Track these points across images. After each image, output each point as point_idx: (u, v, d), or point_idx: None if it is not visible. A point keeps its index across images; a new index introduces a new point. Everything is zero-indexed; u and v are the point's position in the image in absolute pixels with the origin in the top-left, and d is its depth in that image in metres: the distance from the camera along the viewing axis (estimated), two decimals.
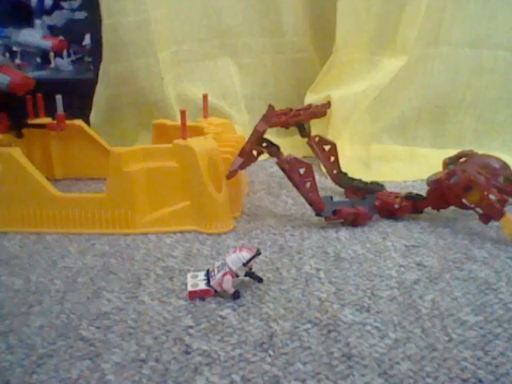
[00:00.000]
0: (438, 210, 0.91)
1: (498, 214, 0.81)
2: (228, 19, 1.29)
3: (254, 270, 0.71)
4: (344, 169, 1.05)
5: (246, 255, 0.68)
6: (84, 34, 1.53)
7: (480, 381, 0.53)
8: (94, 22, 1.24)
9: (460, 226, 0.88)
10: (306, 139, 1.01)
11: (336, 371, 0.55)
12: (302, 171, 0.85)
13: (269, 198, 1.02)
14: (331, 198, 0.93)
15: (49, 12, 1.61)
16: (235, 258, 0.68)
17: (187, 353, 0.58)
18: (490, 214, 0.82)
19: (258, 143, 0.86)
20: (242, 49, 1.32)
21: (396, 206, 0.90)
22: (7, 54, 1.57)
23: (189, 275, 0.72)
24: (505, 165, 0.90)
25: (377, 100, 1.24)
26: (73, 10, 1.60)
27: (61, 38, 1.54)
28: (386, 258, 0.78)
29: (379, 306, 0.66)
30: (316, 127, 1.25)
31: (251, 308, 0.66)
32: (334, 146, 1.03)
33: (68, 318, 0.65)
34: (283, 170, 0.86)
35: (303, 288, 0.70)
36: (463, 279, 0.72)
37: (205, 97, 1.06)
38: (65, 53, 1.53)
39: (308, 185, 0.86)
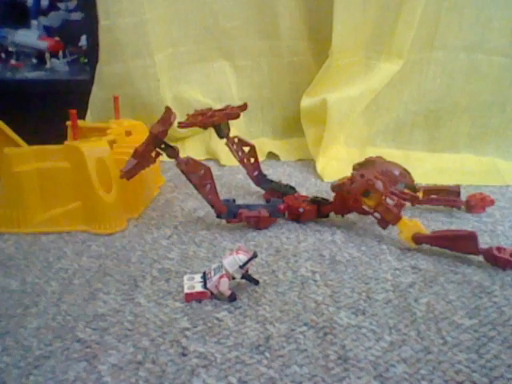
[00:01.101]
0: (342, 215, 0.92)
1: (395, 218, 0.82)
2: (224, 22, 1.30)
3: (250, 272, 0.71)
4: (340, 173, 1.06)
5: (242, 258, 0.68)
6: (80, 34, 1.53)
7: (474, 383, 0.54)
8: (90, 23, 1.24)
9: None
10: (225, 140, 1.01)
11: (332, 374, 0.55)
12: (201, 173, 0.86)
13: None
14: (234, 200, 0.94)
15: (45, 13, 1.60)
16: (232, 261, 0.68)
17: (184, 355, 0.58)
18: (388, 219, 0.83)
19: (154, 145, 0.85)
20: (239, 51, 1.33)
21: (301, 210, 0.91)
22: (3, 55, 1.56)
23: (185, 277, 0.72)
24: (405, 172, 0.93)
25: (372, 104, 1.25)
26: (69, 11, 1.60)
27: (57, 38, 1.55)
28: (382, 261, 0.79)
29: (374, 309, 0.66)
30: (311, 130, 1.26)
31: (247, 310, 0.66)
32: (253, 148, 1.04)
33: (64, 320, 0.65)
34: (182, 171, 0.86)
35: (299, 291, 0.71)
36: (458, 282, 0.73)
37: (116, 98, 1.08)
38: (61, 54, 1.53)
39: (208, 187, 0.87)
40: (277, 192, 1.00)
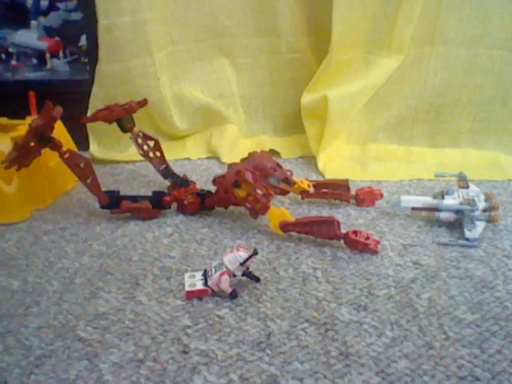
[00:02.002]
0: (226, 207, 0.94)
1: (264, 208, 0.85)
2: (224, 19, 1.29)
3: (251, 269, 0.71)
4: (341, 169, 1.06)
5: (243, 255, 0.68)
6: (80, 34, 1.53)
7: (477, 378, 0.54)
8: (89, 23, 1.24)
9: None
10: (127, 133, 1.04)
11: (333, 370, 0.55)
12: (81, 165, 0.90)
13: None
14: (118, 192, 0.96)
15: (45, 13, 1.60)
16: (232, 258, 0.68)
17: (185, 352, 0.58)
18: (257, 208, 0.85)
19: (33, 138, 0.89)
20: (239, 49, 1.32)
21: (185, 202, 0.94)
22: (3, 55, 1.56)
23: (186, 275, 0.72)
24: (277, 166, 0.95)
25: (373, 99, 1.25)
26: (69, 11, 1.60)
27: (57, 38, 1.55)
28: (383, 256, 0.79)
29: (376, 305, 0.66)
30: (312, 127, 1.26)
31: (249, 307, 0.66)
32: (157, 142, 1.06)
33: (65, 319, 0.65)
34: (65, 163, 0.90)
35: (300, 287, 0.70)
36: (460, 278, 0.72)
37: (31, 95, 1.11)
38: (61, 54, 1.53)
39: (90, 178, 0.91)
40: (178, 184, 1.01)
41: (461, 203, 0.86)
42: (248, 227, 0.89)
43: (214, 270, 0.69)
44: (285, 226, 0.84)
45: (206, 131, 1.34)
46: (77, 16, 1.57)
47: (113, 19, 1.19)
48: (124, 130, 1.04)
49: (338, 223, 0.82)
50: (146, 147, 1.05)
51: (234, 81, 1.35)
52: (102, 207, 0.93)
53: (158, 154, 1.06)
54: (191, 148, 1.31)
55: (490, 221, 0.85)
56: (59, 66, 1.51)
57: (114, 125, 1.28)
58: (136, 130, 1.04)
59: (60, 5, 1.61)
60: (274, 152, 1.29)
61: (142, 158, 1.26)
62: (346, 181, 1.00)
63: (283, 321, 0.63)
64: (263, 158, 0.95)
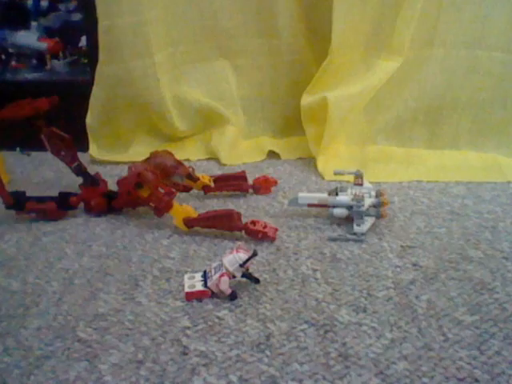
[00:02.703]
0: (133, 207, 0.95)
1: (167, 206, 0.87)
2: (224, 21, 1.29)
3: (250, 270, 0.71)
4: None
5: (242, 256, 0.68)
6: (80, 35, 1.52)
7: (476, 380, 0.54)
8: (90, 24, 1.24)
9: (455, 226, 0.89)
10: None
11: (333, 371, 0.55)
12: None
13: (265, 198, 1.02)
14: (24, 192, 0.95)
15: (45, 14, 1.60)
16: (232, 259, 0.68)
17: (184, 354, 0.58)
18: (160, 207, 0.87)
19: None
20: (238, 50, 1.32)
21: (92, 203, 0.94)
22: (3, 56, 1.56)
23: (186, 276, 0.72)
24: (178, 164, 0.97)
25: (372, 101, 1.25)
26: (69, 12, 1.60)
27: (57, 39, 1.55)
28: (382, 258, 0.79)
29: (375, 307, 0.66)
30: (312, 128, 1.26)
31: (248, 309, 0.66)
32: (68, 140, 1.05)
33: (65, 320, 0.65)
34: None
35: (300, 289, 0.71)
36: (459, 279, 0.72)
37: None
38: (61, 54, 1.53)
39: None
40: (89, 183, 1.01)
41: (352, 199, 0.88)
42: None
43: (213, 271, 0.69)
44: (188, 222, 0.87)
45: (205, 132, 1.34)
46: (77, 17, 1.57)
47: (113, 20, 1.19)
48: (35, 129, 1.02)
49: (239, 215, 0.85)
50: (56, 145, 1.04)
51: (234, 82, 1.35)
52: (7, 208, 0.92)
53: (70, 151, 1.05)
54: (191, 149, 1.31)
55: (378, 216, 0.88)
56: (59, 66, 1.51)
57: (114, 125, 1.29)
58: (46, 128, 1.03)
59: (60, 5, 1.61)
60: (273, 153, 1.29)
61: (142, 158, 1.27)
62: (244, 172, 1.05)
63: (283, 322, 0.63)
64: (164, 157, 0.96)
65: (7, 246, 0.85)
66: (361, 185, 0.94)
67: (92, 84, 1.25)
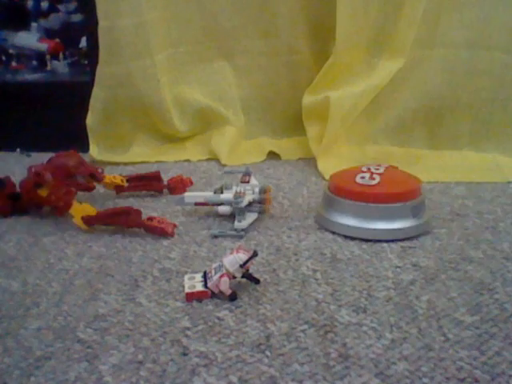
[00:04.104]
0: (38, 207, 0.96)
1: (66, 206, 0.89)
2: (224, 21, 1.29)
3: (250, 271, 0.71)
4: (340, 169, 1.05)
5: (242, 256, 0.68)
6: (80, 36, 1.53)
7: (476, 380, 0.53)
8: (90, 25, 1.24)
9: (455, 226, 0.89)
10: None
11: (333, 372, 0.55)
12: None
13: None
14: None
15: (45, 15, 1.61)
16: (232, 260, 0.68)
17: (184, 354, 0.58)
18: (60, 206, 0.89)
19: None
20: (238, 51, 1.33)
21: None
22: (3, 57, 1.57)
23: (186, 277, 0.72)
24: (81, 164, 0.97)
25: (373, 101, 1.25)
26: (69, 13, 1.60)
27: (57, 40, 1.55)
28: (383, 258, 0.79)
29: (375, 307, 0.66)
30: (313, 128, 1.26)
31: (248, 309, 0.66)
32: None
33: (65, 320, 0.65)
34: None
35: (300, 289, 0.71)
36: (459, 279, 0.72)
37: None
38: (61, 55, 1.53)
39: None
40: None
41: (233, 197, 0.90)
42: (248, 229, 0.89)
43: (213, 271, 0.69)
44: (87, 221, 0.88)
45: (205, 133, 1.34)
46: (77, 18, 1.57)
47: (113, 21, 1.19)
48: None
49: (138, 212, 0.87)
50: None
51: (234, 83, 1.35)
52: None
53: None
54: (191, 150, 1.32)
55: (261, 212, 0.92)
56: (59, 67, 1.51)
57: (115, 126, 1.29)
58: None
59: (60, 6, 1.61)
60: (273, 154, 1.29)
61: (142, 159, 1.27)
62: (158, 172, 1.06)
63: (283, 323, 0.63)
64: (66, 158, 0.97)
65: (7, 246, 0.86)
66: (247, 182, 0.96)
67: (92, 85, 1.26)
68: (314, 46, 1.30)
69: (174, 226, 0.88)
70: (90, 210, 0.90)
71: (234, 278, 0.68)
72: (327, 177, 1.14)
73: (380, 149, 1.26)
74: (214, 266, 0.70)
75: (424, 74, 1.24)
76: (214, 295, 0.68)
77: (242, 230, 0.87)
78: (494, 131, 1.24)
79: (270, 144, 1.33)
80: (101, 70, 1.23)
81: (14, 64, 1.55)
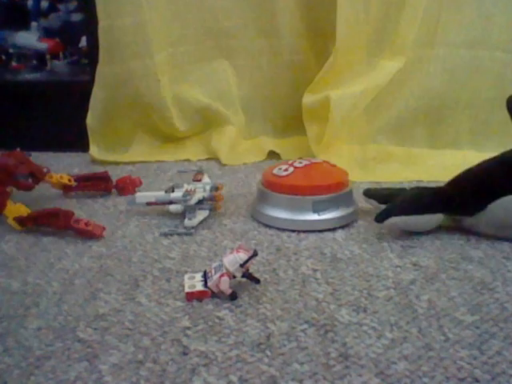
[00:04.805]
0: None
1: (1, 206, 0.89)
2: (224, 21, 1.30)
3: (251, 270, 0.71)
4: None
5: (242, 256, 0.68)
6: (80, 35, 1.53)
7: (476, 380, 0.53)
8: (90, 24, 1.24)
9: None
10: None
11: (333, 371, 0.55)
12: None
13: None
14: None
15: (45, 14, 1.61)
16: (232, 259, 0.68)
17: (185, 354, 0.58)
18: None
19: None
20: (239, 50, 1.33)
21: None
22: (3, 57, 1.57)
23: (186, 276, 0.72)
24: (21, 163, 0.95)
25: (373, 101, 1.25)
26: (69, 12, 1.60)
27: (57, 40, 1.55)
28: (383, 258, 0.79)
29: (376, 307, 0.66)
30: (313, 127, 1.26)
31: (248, 309, 0.66)
32: None
33: (65, 320, 0.65)
34: None
35: (300, 289, 0.70)
36: (459, 279, 0.72)
37: None
38: (61, 55, 1.53)
39: None
40: None
41: (182, 195, 0.90)
42: (248, 228, 0.89)
43: (213, 271, 0.69)
44: (20, 221, 0.89)
45: (205, 132, 1.34)
46: (77, 17, 1.57)
47: (113, 20, 1.19)
48: None
49: (67, 214, 0.87)
50: None
51: (234, 82, 1.35)
52: None
53: None
54: (191, 149, 1.32)
55: (211, 209, 0.93)
56: (59, 67, 1.51)
57: (115, 125, 1.29)
58: None
59: (60, 6, 1.61)
60: (273, 153, 1.29)
61: (142, 158, 1.27)
62: (106, 172, 1.07)
63: (283, 322, 0.63)
64: (7, 157, 0.97)
65: (7, 246, 0.85)
66: (199, 181, 0.98)
67: (92, 84, 1.26)
68: (314, 45, 1.30)
69: (103, 228, 0.88)
70: (23, 210, 0.90)
71: (234, 277, 0.68)
72: None
73: (380, 148, 1.27)
74: (214, 265, 0.70)
75: (424, 73, 1.24)
76: (214, 295, 0.68)
77: (192, 227, 0.88)
78: (494, 130, 1.24)
79: (270, 143, 1.33)
80: (101, 70, 1.23)
81: (14, 63, 1.55)
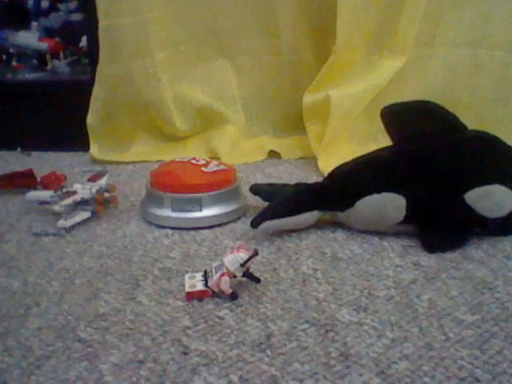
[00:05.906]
0: None
1: None
2: (224, 20, 1.29)
3: (251, 270, 0.71)
4: None
5: (243, 256, 0.68)
6: (81, 35, 1.53)
7: (477, 380, 0.53)
8: (90, 24, 1.24)
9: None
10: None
11: (333, 371, 0.55)
12: None
13: None
14: None
15: (45, 14, 1.60)
16: (233, 259, 0.68)
17: (185, 353, 0.58)
18: None
19: None
20: (239, 50, 1.32)
21: None
22: (4, 56, 1.56)
23: (186, 276, 0.72)
24: None
25: (374, 100, 1.24)
26: (69, 12, 1.60)
27: (57, 39, 1.55)
28: (383, 257, 0.78)
29: (376, 306, 0.66)
30: (314, 127, 1.26)
31: (249, 308, 0.66)
32: None
33: (66, 320, 0.65)
34: None
35: (301, 288, 0.70)
36: (460, 278, 0.72)
37: None
38: (61, 54, 1.53)
39: None
40: None
41: (50, 196, 0.92)
42: (248, 228, 0.89)
43: (214, 270, 0.69)
44: None
45: (206, 132, 1.34)
46: (77, 17, 1.57)
47: (113, 20, 1.19)
48: None
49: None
50: None
51: (235, 82, 1.35)
52: None
53: None
54: (191, 149, 1.31)
55: (93, 212, 0.93)
56: (60, 66, 1.51)
57: (115, 125, 1.29)
58: None
59: (61, 6, 1.61)
60: (274, 153, 1.29)
61: (142, 158, 1.27)
62: (31, 170, 1.08)
63: (283, 322, 0.63)
64: None
65: (8, 246, 0.86)
66: (94, 181, 0.98)
67: (92, 84, 1.26)
68: (314, 44, 1.30)
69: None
70: None
71: (235, 277, 0.68)
72: None
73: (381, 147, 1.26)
74: (215, 265, 0.70)
75: (425, 72, 1.23)
76: (214, 294, 0.68)
77: (64, 228, 0.89)
78: (494, 129, 1.23)
79: (271, 143, 1.33)
80: (101, 69, 1.23)
81: (14, 63, 1.55)
